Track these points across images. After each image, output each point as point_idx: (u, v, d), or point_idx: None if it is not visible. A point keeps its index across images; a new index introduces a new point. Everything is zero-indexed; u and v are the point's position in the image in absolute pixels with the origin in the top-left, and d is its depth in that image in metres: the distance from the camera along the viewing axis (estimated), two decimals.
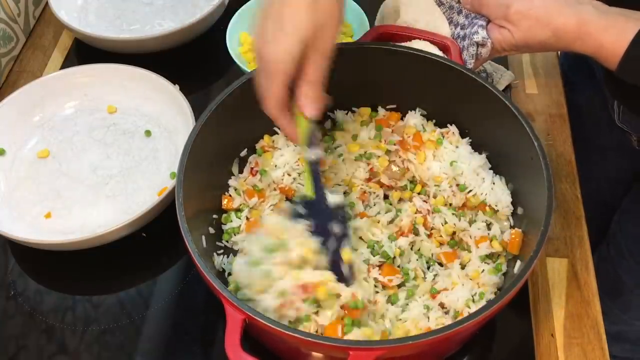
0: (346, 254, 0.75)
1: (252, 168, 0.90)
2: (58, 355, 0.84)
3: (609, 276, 1.17)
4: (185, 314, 0.86)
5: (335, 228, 0.76)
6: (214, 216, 0.87)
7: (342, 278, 0.74)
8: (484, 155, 0.87)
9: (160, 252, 0.92)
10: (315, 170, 0.77)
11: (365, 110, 0.93)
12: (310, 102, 0.72)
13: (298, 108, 0.73)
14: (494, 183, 0.85)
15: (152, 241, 0.92)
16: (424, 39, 0.89)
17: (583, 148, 1.02)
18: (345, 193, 0.88)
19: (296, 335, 0.64)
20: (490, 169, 0.87)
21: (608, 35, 0.74)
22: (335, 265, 0.75)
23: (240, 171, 0.91)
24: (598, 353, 0.81)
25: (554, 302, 0.85)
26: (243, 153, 0.91)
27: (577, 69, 1.13)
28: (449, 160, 0.86)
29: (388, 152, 0.89)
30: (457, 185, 0.85)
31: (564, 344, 0.82)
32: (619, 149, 1.15)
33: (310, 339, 0.63)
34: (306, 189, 0.78)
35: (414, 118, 0.91)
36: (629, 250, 1.15)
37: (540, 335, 0.83)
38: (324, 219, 0.76)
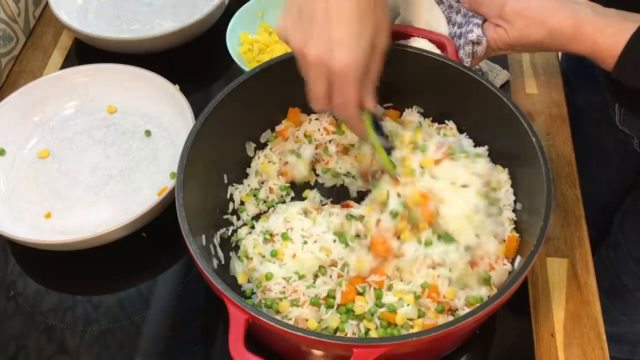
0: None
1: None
2: (58, 355, 0.84)
3: (609, 277, 1.17)
4: (185, 314, 0.86)
5: None
6: (214, 216, 0.87)
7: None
8: (485, 148, 0.87)
9: (160, 252, 0.92)
10: (388, 151, 0.82)
11: None
12: (372, 98, 0.75)
13: (362, 104, 0.75)
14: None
15: (152, 241, 0.92)
16: (421, 37, 0.89)
17: (584, 149, 1.02)
18: None
19: (299, 333, 0.64)
20: None
21: (604, 36, 0.74)
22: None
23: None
24: (598, 353, 0.81)
25: (554, 302, 0.85)
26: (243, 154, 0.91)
27: (578, 70, 1.13)
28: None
29: None
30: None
31: (564, 344, 0.82)
32: (619, 150, 1.15)
33: (313, 337, 0.63)
34: (388, 169, 0.82)
35: (412, 115, 0.91)
36: (629, 252, 1.15)
37: (540, 335, 0.83)
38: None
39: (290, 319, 0.76)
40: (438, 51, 0.88)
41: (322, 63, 0.69)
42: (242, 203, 0.91)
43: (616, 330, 1.19)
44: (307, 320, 0.76)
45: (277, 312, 0.78)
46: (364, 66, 0.70)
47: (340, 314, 0.77)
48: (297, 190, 0.93)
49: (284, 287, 0.79)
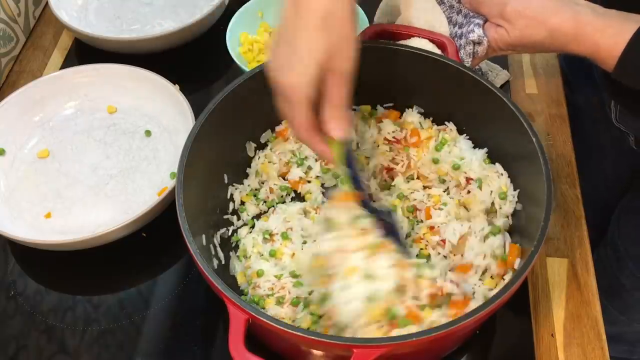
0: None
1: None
2: (58, 355, 0.84)
3: (607, 277, 1.17)
4: (185, 314, 0.86)
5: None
6: (214, 216, 0.87)
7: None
8: (484, 150, 0.87)
9: (160, 252, 0.92)
10: (357, 186, 0.76)
11: (366, 108, 0.93)
12: (336, 125, 0.70)
13: (326, 132, 0.71)
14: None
15: (152, 241, 0.92)
16: (421, 37, 0.89)
17: (580, 148, 1.02)
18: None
19: (300, 333, 0.64)
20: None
21: (605, 37, 0.74)
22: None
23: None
24: (598, 353, 0.81)
25: (554, 302, 0.85)
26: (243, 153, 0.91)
27: (575, 69, 1.13)
28: (450, 155, 0.87)
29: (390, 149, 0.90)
30: (467, 179, 0.86)
31: (564, 344, 0.82)
32: (616, 148, 1.15)
33: (313, 337, 0.63)
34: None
35: (412, 116, 0.91)
36: (626, 251, 1.15)
37: (540, 335, 0.83)
38: (379, 216, 0.76)
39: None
40: (438, 51, 0.88)
41: (276, 85, 0.69)
42: (242, 203, 0.91)
43: (614, 330, 1.19)
44: (283, 318, 0.76)
45: (263, 308, 0.78)
46: (310, 89, 0.67)
47: (313, 314, 0.76)
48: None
49: (273, 284, 0.79)
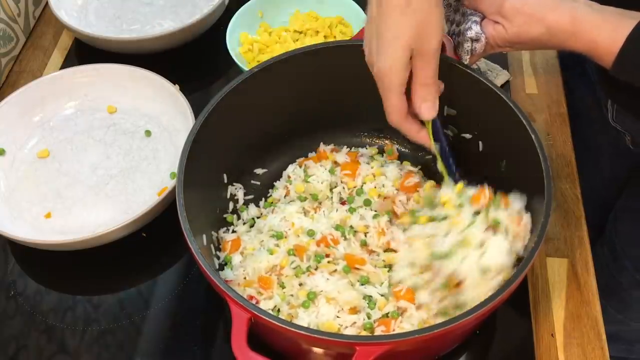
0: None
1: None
2: (58, 355, 0.84)
3: (605, 276, 1.17)
4: (185, 314, 0.86)
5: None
6: (215, 215, 0.87)
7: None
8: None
9: (160, 252, 0.92)
10: (448, 162, 0.81)
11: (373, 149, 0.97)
12: (426, 105, 0.74)
13: (416, 111, 0.75)
14: None
15: (152, 241, 0.92)
16: None
17: (577, 148, 1.02)
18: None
19: (302, 331, 0.64)
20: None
21: (602, 33, 0.74)
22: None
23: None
24: (598, 353, 0.81)
25: (554, 302, 0.85)
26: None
27: (570, 69, 1.13)
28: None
29: None
30: None
31: (564, 344, 0.82)
32: (613, 148, 1.15)
33: (316, 335, 0.64)
34: (445, 180, 0.81)
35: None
36: (623, 250, 1.15)
37: (540, 335, 0.83)
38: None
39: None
40: None
41: (372, 73, 0.73)
42: (244, 202, 0.91)
43: (612, 329, 1.19)
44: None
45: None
46: (400, 72, 0.71)
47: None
48: None
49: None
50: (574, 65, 1.13)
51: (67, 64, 1.17)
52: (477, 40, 0.85)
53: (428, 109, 0.75)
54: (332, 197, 0.89)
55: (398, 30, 0.70)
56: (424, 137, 0.78)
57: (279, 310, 0.78)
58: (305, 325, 0.75)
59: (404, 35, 0.70)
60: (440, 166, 0.81)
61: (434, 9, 0.71)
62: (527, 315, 0.84)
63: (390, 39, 0.70)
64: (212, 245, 0.83)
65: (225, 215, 0.89)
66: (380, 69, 0.72)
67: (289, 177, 0.93)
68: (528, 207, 0.79)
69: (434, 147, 0.79)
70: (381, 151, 0.97)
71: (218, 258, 0.84)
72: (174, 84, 1.01)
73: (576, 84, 1.14)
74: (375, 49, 0.72)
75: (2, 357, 0.83)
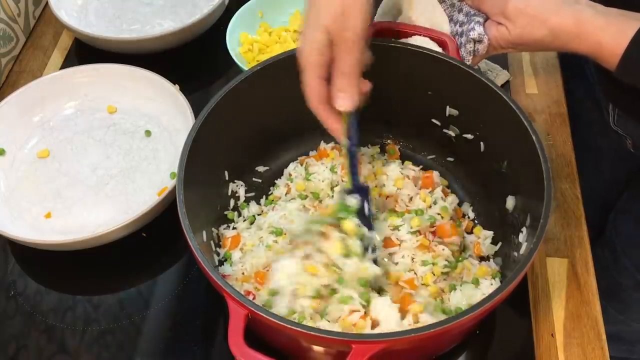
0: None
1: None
2: (58, 355, 0.84)
3: (605, 277, 1.17)
4: (185, 314, 0.86)
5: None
6: (215, 212, 0.87)
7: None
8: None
9: (160, 252, 0.92)
10: (352, 162, 0.78)
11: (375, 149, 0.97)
12: (343, 94, 0.71)
13: (332, 101, 0.72)
14: None
15: (152, 241, 0.92)
16: (422, 35, 0.89)
17: (576, 148, 1.02)
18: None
19: (299, 329, 0.64)
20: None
21: (607, 35, 0.73)
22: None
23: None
24: (598, 353, 0.81)
25: (554, 302, 0.85)
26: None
27: (570, 72, 1.13)
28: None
29: None
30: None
31: (564, 344, 0.82)
32: (613, 151, 1.14)
33: (312, 332, 0.64)
34: (347, 184, 0.80)
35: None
36: (624, 251, 1.15)
37: (540, 335, 0.83)
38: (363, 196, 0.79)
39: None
40: (440, 49, 0.88)
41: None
42: (245, 200, 0.91)
43: (613, 330, 1.20)
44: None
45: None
46: (317, 54, 0.70)
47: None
48: None
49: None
50: (573, 67, 1.13)
51: (67, 64, 1.17)
52: (479, 41, 0.85)
53: (344, 99, 0.71)
54: (332, 196, 0.89)
55: (320, 12, 0.69)
56: (338, 130, 0.75)
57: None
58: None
59: (325, 18, 0.69)
60: (345, 165, 0.80)
61: (359, 4, 0.70)
62: (527, 315, 0.84)
63: (313, 20, 0.70)
64: (212, 242, 0.83)
65: (226, 212, 0.89)
66: (298, 49, 0.72)
67: (290, 175, 0.93)
68: (528, 207, 0.80)
69: (344, 142, 0.76)
70: (382, 150, 0.97)
71: (218, 255, 0.84)
72: (174, 84, 1.01)
73: (576, 85, 1.14)
74: (301, 32, 0.72)
75: (2, 357, 0.83)
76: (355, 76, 0.71)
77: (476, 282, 0.79)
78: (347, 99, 0.71)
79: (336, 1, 0.69)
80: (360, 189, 0.79)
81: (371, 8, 0.72)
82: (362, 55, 0.71)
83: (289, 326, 0.64)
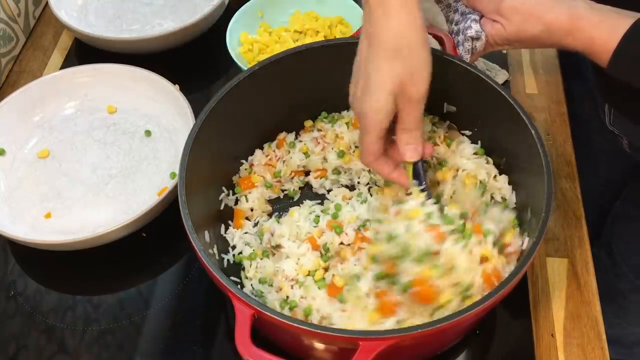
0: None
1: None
2: (58, 355, 0.84)
3: (602, 280, 1.17)
4: (185, 314, 0.86)
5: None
6: (217, 212, 0.87)
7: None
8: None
9: (160, 252, 0.92)
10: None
11: None
12: (409, 149, 0.74)
13: (400, 156, 0.75)
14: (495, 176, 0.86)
15: (152, 241, 0.92)
16: None
17: (575, 150, 1.02)
18: None
19: (305, 327, 0.64)
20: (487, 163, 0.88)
21: (600, 31, 0.74)
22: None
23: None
24: (598, 353, 0.81)
25: (554, 302, 0.85)
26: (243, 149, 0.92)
27: (567, 72, 1.13)
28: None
29: None
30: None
31: (564, 344, 0.82)
32: (610, 152, 1.14)
33: (319, 330, 0.64)
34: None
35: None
36: (621, 254, 1.14)
37: (540, 335, 0.83)
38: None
39: None
40: (439, 47, 0.88)
41: (354, 112, 0.74)
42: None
43: (611, 333, 1.20)
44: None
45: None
46: (384, 116, 0.71)
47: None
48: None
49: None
50: (571, 68, 1.13)
51: (67, 64, 1.17)
52: (477, 38, 0.85)
53: (411, 151, 0.75)
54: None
55: (387, 75, 0.69)
56: (397, 177, 0.78)
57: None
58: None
59: (392, 81, 0.69)
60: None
61: (424, 55, 0.70)
62: (527, 315, 0.84)
63: (379, 82, 0.70)
64: (213, 242, 0.83)
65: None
66: (364, 112, 0.72)
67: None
68: (528, 203, 0.80)
69: (412, 186, 0.78)
70: None
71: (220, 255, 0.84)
72: (174, 84, 1.01)
73: (573, 85, 1.14)
74: (361, 90, 0.72)
75: (2, 357, 0.83)
76: (420, 129, 0.74)
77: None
78: (414, 150, 0.75)
79: (402, 63, 0.69)
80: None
81: (431, 61, 0.72)
82: (423, 109, 0.73)
83: (295, 325, 0.64)
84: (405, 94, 0.70)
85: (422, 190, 0.77)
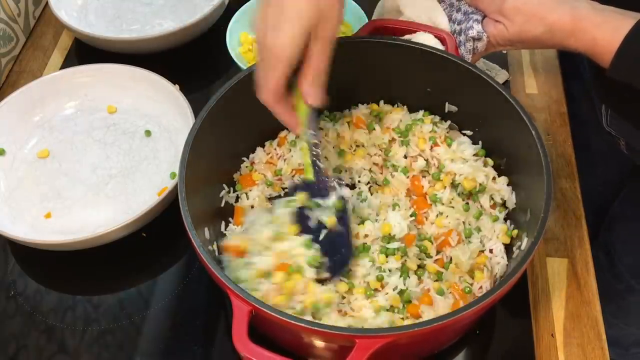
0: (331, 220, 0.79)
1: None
2: (58, 355, 0.84)
3: (600, 280, 1.17)
4: (185, 314, 0.86)
5: (334, 219, 0.79)
6: (217, 210, 0.87)
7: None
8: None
9: (160, 252, 0.92)
10: (315, 154, 0.79)
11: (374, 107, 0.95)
12: (315, 90, 0.72)
13: (302, 95, 0.73)
14: (494, 178, 0.86)
15: (152, 241, 0.92)
16: (422, 32, 0.89)
17: (574, 150, 1.02)
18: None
19: (302, 324, 0.64)
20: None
21: (602, 32, 0.74)
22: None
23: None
24: (598, 353, 0.81)
25: (554, 302, 0.85)
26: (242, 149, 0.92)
27: (567, 72, 1.14)
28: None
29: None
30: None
31: (564, 344, 0.82)
32: (607, 153, 1.14)
33: (316, 327, 0.64)
34: (306, 173, 0.80)
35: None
36: (618, 255, 1.14)
37: (540, 335, 0.83)
38: (322, 196, 0.79)
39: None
40: (441, 46, 0.88)
41: (260, 46, 0.70)
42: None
43: (609, 334, 1.20)
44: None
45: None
46: (294, 50, 0.69)
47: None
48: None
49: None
50: (569, 69, 1.13)
51: (67, 64, 1.17)
52: (479, 39, 0.85)
53: (315, 94, 0.72)
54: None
55: (302, 10, 0.68)
56: (294, 122, 0.75)
57: None
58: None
59: (307, 17, 0.68)
60: (305, 157, 0.80)
61: (334, 8, 0.70)
62: (527, 315, 0.84)
63: (292, 16, 0.68)
64: (213, 240, 0.83)
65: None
66: (273, 44, 0.69)
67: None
68: (528, 203, 0.80)
69: (303, 134, 0.76)
70: None
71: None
72: (174, 84, 1.01)
73: (573, 86, 1.14)
74: (273, 24, 0.68)
75: (2, 357, 0.83)
76: (326, 74, 0.72)
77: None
78: (318, 94, 0.73)
79: (317, 1, 0.68)
80: (321, 182, 0.79)
81: (343, 9, 0.72)
82: (332, 55, 0.72)
83: (292, 321, 0.64)
84: (318, 32, 0.69)
85: (309, 138, 0.77)
